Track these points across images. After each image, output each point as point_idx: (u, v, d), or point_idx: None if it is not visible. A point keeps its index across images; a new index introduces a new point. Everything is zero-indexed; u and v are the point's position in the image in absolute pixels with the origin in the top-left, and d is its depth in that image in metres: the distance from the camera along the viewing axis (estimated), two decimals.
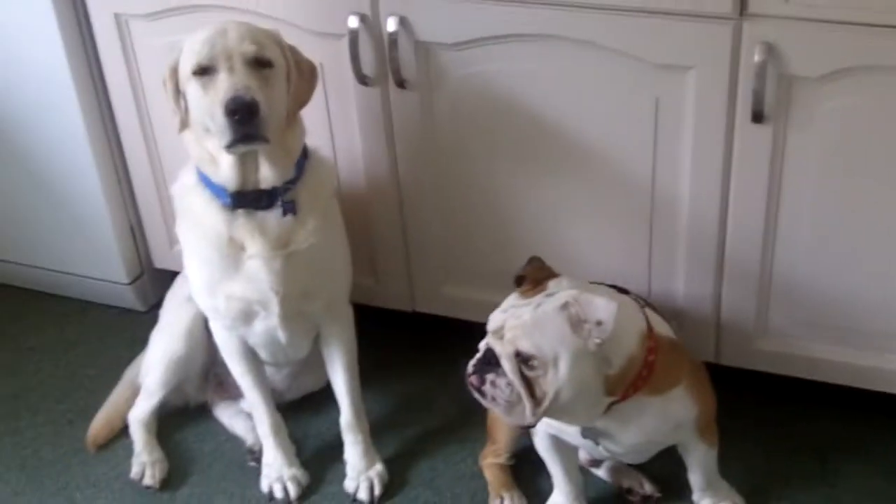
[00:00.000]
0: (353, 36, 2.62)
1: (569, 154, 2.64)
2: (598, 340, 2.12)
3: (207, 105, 2.35)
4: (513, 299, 2.26)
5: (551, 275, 2.31)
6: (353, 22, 2.61)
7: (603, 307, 2.12)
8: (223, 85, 2.32)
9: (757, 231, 2.56)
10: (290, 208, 2.49)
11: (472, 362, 2.22)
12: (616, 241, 2.72)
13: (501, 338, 2.18)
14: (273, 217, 2.49)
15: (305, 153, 2.56)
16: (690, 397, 2.36)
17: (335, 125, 2.83)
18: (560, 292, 2.19)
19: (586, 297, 2.15)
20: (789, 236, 2.55)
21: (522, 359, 2.15)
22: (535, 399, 2.17)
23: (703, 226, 2.60)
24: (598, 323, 2.11)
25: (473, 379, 2.21)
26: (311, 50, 2.67)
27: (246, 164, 2.43)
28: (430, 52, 2.63)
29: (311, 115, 2.63)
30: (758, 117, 2.38)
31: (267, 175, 2.45)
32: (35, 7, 2.95)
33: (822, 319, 2.65)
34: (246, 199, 2.47)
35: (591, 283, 2.43)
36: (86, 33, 3.01)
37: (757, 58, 2.31)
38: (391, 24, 2.58)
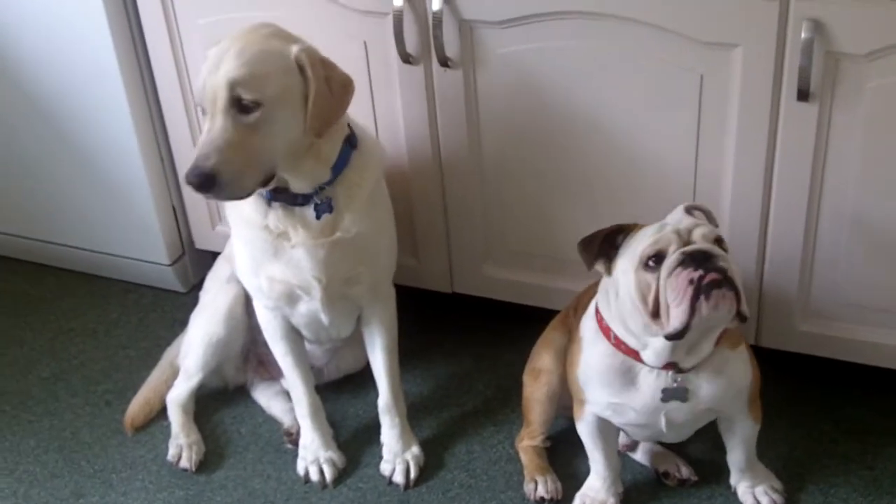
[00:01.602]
0: (398, 14, 2.61)
1: (611, 133, 2.62)
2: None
3: None
4: (645, 231, 2.23)
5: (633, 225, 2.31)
6: (398, 0, 2.60)
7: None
8: (199, 140, 2.28)
9: (800, 210, 2.53)
10: (324, 209, 2.46)
11: (691, 271, 2.11)
12: (657, 220, 2.65)
13: (688, 243, 2.16)
14: (312, 211, 2.47)
15: (353, 143, 2.52)
16: (749, 361, 2.39)
17: (378, 104, 2.82)
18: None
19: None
20: (833, 216, 2.52)
21: (719, 244, 2.17)
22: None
23: (746, 206, 2.58)
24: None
25: (714, 273, 2.11)
26: (354, 28, 2.69)
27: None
28: (474, 31, 2.62)
29: (355, 93, 2.63)
30: (803, 95, 2.35)
31: (295, 185, 2.43)
32: None
33: (865, 301, 2.62)
34: (281, 196, 2.45)
35: None
36: (131, 13, 3.02)
37: (804, 35, 2.28)
38: (436, 3, 2.57)
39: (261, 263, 2.56)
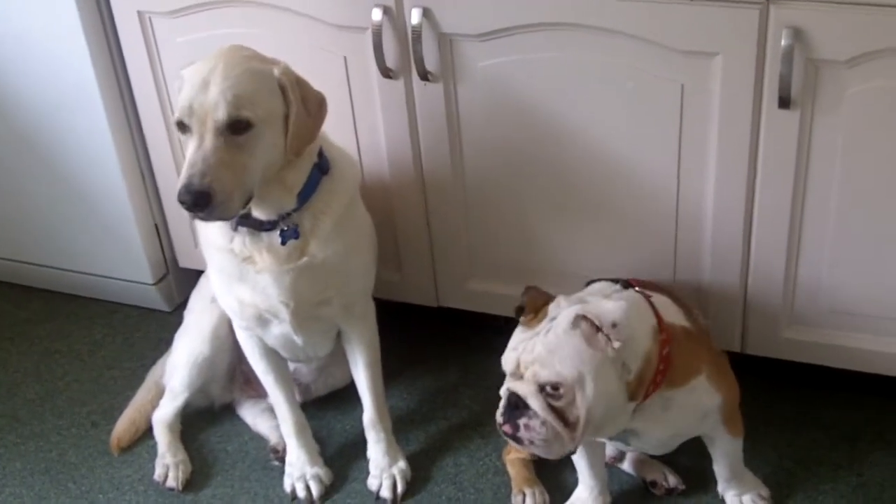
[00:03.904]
0: (377, 29, 2.60)
1: (593, 144, 2.62)
2: (617, 343, 2.10)
3: None
4: (519, 334, 2.24)
5: (548, 299, 2.27)
6: (377, 14, 2.59)
7: (613, 309, 2.11)
8: (187, 160, 2.25)
9: (783, 218, 2.53)
10: (290, 235, 2.44)
11: (500, 411, 2.20)
12: (641, 231, 2.69)
13: (520, 377, 2.16)
14: (278, 237, 2.46)
15: (325, 168, 2.50)
16: (713, 386, 2.34)
17: (359, 119, 2.81)
18: (562, 312, 2.18)
19: (592, 306, 2.14)
20: (816, 223, 2.52)
21: (548, 391, 2.13)
22: (570, 426, 2.15)
23: (729, 214, 2.58)
24: (613, 325, 2.10)
25: (506, 428, 2.19)
26: (334, 43, 2.69)
27: None
28: (454, 44, 2.61)
29: (335, 109, 2.62)
30: (784, 103, 2.35)
31: (259, 213, 2.42)
32: (58, 6, 2.95)
33: (850, 307, 2.62)
34: (247, 222, 2.44)
35: (589, 281, 2.44)
36: (109, 32, 3.01)
37: (784, 42, 2.29)
38: (415, 16, 2.57)
39: (230, 286, 2.56)
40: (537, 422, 2.14)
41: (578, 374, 2.11)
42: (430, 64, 2.63)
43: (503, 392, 2.20)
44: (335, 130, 2.63)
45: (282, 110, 2.32)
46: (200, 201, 2.21)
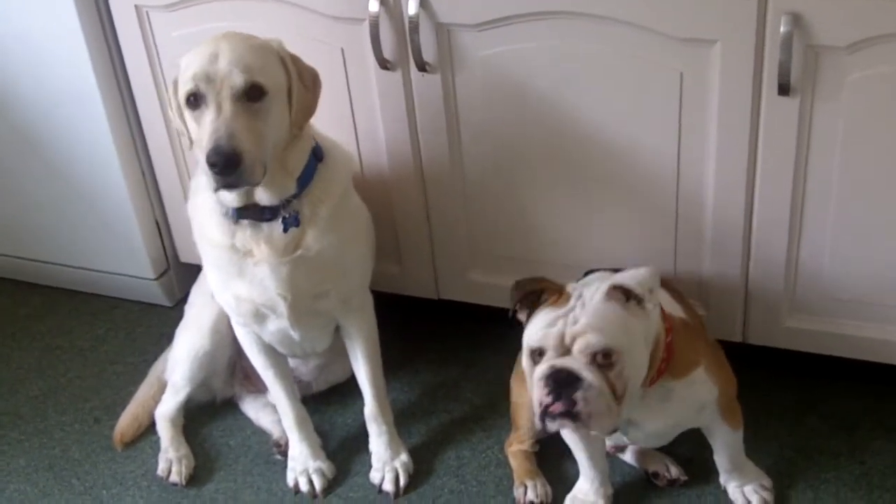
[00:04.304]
0: (374, 20, 2.60)
1: (593, 133, 2.61)
2: (652, 307, 2.13)
3: (198, 139, 2.32)
4: (547, 314, 2.19)
5: (561, 286, 2.25)
6: (374, 5, 2.58)
7: (645, 275, 2.13)
8: (207, 127, 2.27)
9: (784, 206, 2.52)
10: (291, 222, 2.45)
11: (546, 392, 2.13)
12: (641, 221, 2.69)
13: (567, 352, 2.13)
14: (279, 226, 2.46)
15: (319, 156, 2.52)
16: (711, 378, 2.33)
17: (357, 111, 2.81)
18: (589, 288, 2.17)
19: (622, 276, 2.15)
20: (817, 211, 2.52)
21: (599, 361, 2.11)
22: (617, 398, 2.13)
23: (729, 203, 2.57)
24: (650, 291, 2.12)
25: (559, 405, 2.12)
26: (331, 35, 2.68)
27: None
28: (452, 34, 2.60)
29: (333, 101, 2.62)
30: (784, 90, 2.34)
31: (263, 197, 2.42)
32: (57, 4, 2.95)
33: (851, 295, 2.61)
34: (248, 213, 2.45)
35: (588, 271, 2.44)
36: (108, 28, 3.01)
37: (783, 29, 2.27)
38: (412, 7, 2.56)
39: (227, 282, 2.56)
40: (593, 393, 2.10)
41: (626, 340, 2.12)
42: (428, 55, 2.62)
43: (544, 371, 2.14)
44: (333, 123, 2.63)
45: (285, 83, 2.36)
46: (231, 162, 2.23)
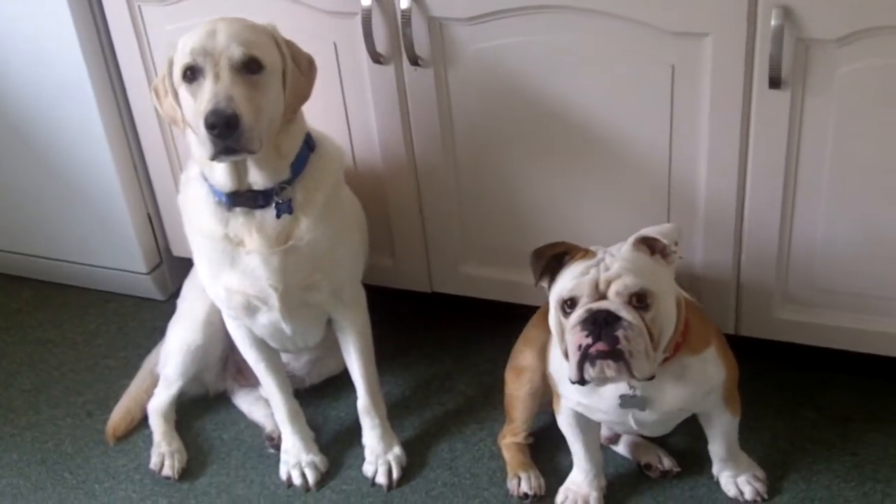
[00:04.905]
0: (366, 14, 2.60)
1: (585, 127, 2.61)
2: (680, 257, 2.19)
3: (194, 113, 2.32)
4: (575, 267, 2.20)
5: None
6: (366, 0, 2.59)
7: (670, 228, 2.20)
8: (205, 95, 2.28)
9: (776, 198, 2.53)
10: (284, 209, 2.46)
11: (584, 333, 2.13)
12: (634, 214, 2.68)
13: (601, 298, 2.14)
14: (272, 214, 2.46)
15: (311, 146, 2.53)
16: (720, 359, 2.36)
17: (350, 105, 2.81)
18: (610, 247, 2.22)
19: (650, 229, 2.20)
20: (808, 203, 2.52)
21: (636, 301, 2.13)
22: (654, 342, 2.15)
23: (721, 195, 2.58)
24: (676, 243, 2.18)
25: (601, 344, 2.12)
26: (323, 29, 2.68)
27: (238, 168, 2.41)
28: (444, 28, 2.61)
29: (326, 95, 2.62)
30: (775, 83, 2.35)
31: (257, 179, 2.43)
32: None
33: (842, 287, 2.62)
34: (241, 199, 2.45)
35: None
36: (99, 22, 3.01)
37: (774, 22, 2.28)
38: (404, 1, 2.56)
39: (218, 274, 2.56)
40: (634, 332, 2.11)
41: (658, 285, 2.15)
42: (421, 49, 2.63)
43: (581, 315, 2.14)
44: (326, 116, 2.63)
45: (280, 63, 2.38)
46: (231, 123, 2.24)
